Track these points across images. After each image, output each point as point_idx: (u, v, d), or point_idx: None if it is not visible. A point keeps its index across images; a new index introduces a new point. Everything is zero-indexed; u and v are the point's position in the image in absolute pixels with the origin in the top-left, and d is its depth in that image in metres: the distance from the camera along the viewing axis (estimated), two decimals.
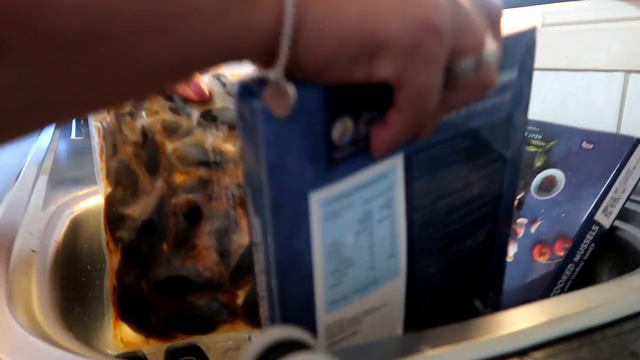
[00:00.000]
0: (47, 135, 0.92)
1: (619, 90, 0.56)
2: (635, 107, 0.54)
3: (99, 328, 0.47)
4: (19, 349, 0.26)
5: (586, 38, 0.58)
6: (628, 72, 0.55)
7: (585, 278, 0.49)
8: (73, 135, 0.93)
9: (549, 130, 0.51)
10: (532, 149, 0.50)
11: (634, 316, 0.30)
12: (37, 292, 0.35)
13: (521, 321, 0.28)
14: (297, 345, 0.20)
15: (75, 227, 0.49)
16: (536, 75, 0.70)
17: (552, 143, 0.50)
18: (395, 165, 0.26)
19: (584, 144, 0.47)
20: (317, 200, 0.24)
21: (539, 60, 0.69)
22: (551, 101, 0.63)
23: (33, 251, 0.41)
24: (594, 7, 0.57)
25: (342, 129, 0.23)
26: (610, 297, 0.31)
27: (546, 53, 0.63)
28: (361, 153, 0.24)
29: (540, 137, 0.51)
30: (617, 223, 0.47)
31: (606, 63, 0.56)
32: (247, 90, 0.22)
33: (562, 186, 0.47)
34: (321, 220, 0.24)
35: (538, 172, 0.49)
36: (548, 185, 0.48)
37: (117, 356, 0.44)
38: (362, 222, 0.26)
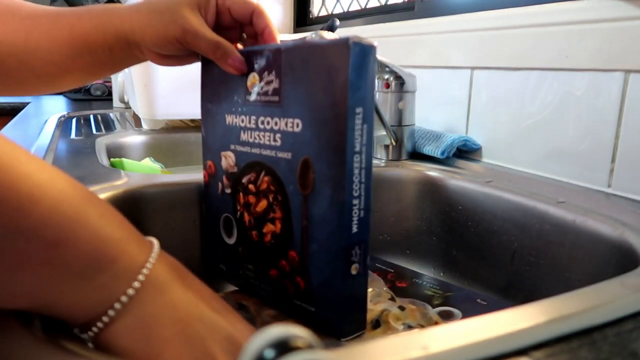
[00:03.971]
0: (47, 135, 0.92)
1: (618, 90, 0.56)
2: (635, 107, 0.54)
3: None
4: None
5: (586, 38, 0.58)
6: (628, 72, 0.55)
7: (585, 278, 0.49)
8: (73, 135, 0.93)
9: (446, 285, 0.58)
10: (430, 292, 0.58)
11: (633, 316, 0.30)
12: None
13: (521, 320, 0.27)
14: (297, 345, 0.20)
15: None
16: (536, 75, 0.70)
17: (449, 293, 0.56)
18: None
19: (479, 300, 0.54)
20: None
21: (539, 60, 0.69)
22: (551, 101, 0.63)
23: None
24: (594, 7, 0.57)
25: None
26: (610, 297, 0.31)
27: (546, 53, 0.63)
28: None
29: (438, 287, 0.58)
30: (617, 222, 0.47)
31: (606, 63, 0.56)
32: None
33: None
34: None
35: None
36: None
37: None
38: None
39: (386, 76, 0.73)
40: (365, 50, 0.37)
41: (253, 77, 0.44)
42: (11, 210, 0.21)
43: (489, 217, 0.60)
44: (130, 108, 1.43)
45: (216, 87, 0.48)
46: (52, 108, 1.51)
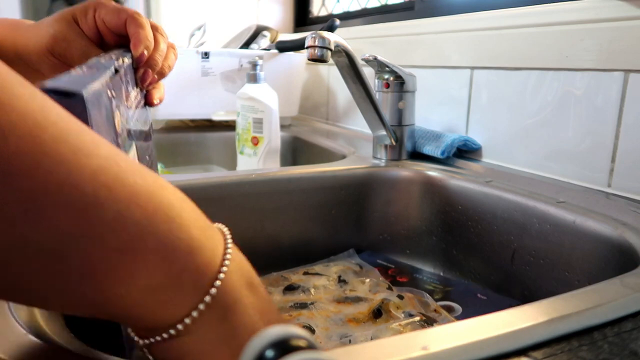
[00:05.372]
0: None
1: (618, 90, 0.56)
2: (635, 107, 0.54)
3: (100, 328, 0.47)
4: (19, 349, 0.26)
5: (586, 38, 0.58)
6: (628, 72, 0.55)
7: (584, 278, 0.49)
8: None
9: (446, 280, 0.60)
10: (430, 287, 0.59)
11: (633, 316, 0.30)
12: None
13: (521, 320, 0.28)
14: (297, 345, 0.20)
15: None
16: (536, 75, 0.70)
17: (449, 288, 0.57)
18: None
19: (479, 295, 0.54)
20: None
21: (539, 60, 0.69)
22: (551, 101, 0.63)
23: None
24: (594, 7, 0.58)
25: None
26: (610, 297, 0.31)
27: (546, 53, 0.63)
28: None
29: (437, 282, 0.60)
30: (617, 222, 0.47)
31: (606, 63, 0.56)
32: None
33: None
34: None
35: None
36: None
37: None
38: None
39: (386, 76, 0.73)
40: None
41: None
42: (76, 212, 0.19)
43: (488, 216, 0.60)
44: None
45: None
46: None
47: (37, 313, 0.32)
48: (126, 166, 0.21)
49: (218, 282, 0.23)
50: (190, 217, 0.23)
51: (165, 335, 0.23)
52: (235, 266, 0.25)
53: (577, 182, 0.61)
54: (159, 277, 0.21)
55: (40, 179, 0.18)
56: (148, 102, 0.44)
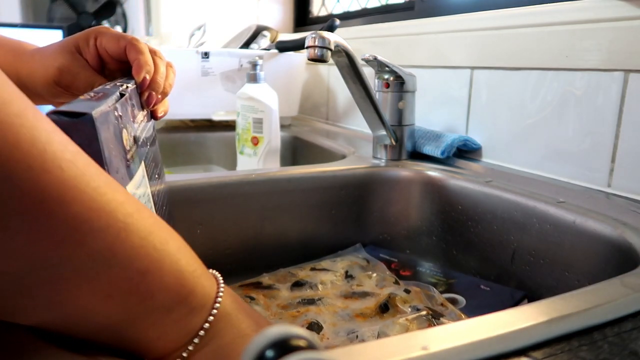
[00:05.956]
0: None
1: (618, 90, 0.56)
2: (635, 107, 0.54)
3: None
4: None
5: (586, 38, 0.58)
6: (628, 71, 0.55)
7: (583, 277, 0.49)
8: None
9: (449, 273, 0.60)
10: (433, 280, 0.60)
11: (633, 316, 0.30)
12: None
13: (521, 320, 0.28)
14: (297, 345, 0.20)
15: None
16: (536, 75, 0.70)
17: (452, 280, 0.58)
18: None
19: (482, 286, 0.56)
20: None
21: (539, 60, 0.69)
22: (551, 101, 0.63)
23: None
24: (594, 7, 0.58)
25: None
26: (610, 297, 0.31)
27: (546, 53, 0.63)
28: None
29: (441, 274, 0.60)
30: (617, 222, 0.47)
31: (606, 63, 0.56)
32: None
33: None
34: None
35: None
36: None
37: None
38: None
39: (386, 76, 0.73)
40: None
41: None
42: (110, 236, 0.22)
43: (488, 216, 0.60)
44: None
45: None
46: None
47: None
48: (139, 203, 0.25)
49: (220, 296, 0.28)
50: (192, 254, 0.28)
51: (185, 354, 0.26)
52: (229, 293, 0.30)
53: (577, 182, 0.61)
54: (173, 295, 0.25)
55: (85, 208, 0.21)
56: (154, 116, 0.46)
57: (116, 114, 0.33)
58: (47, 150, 0.20)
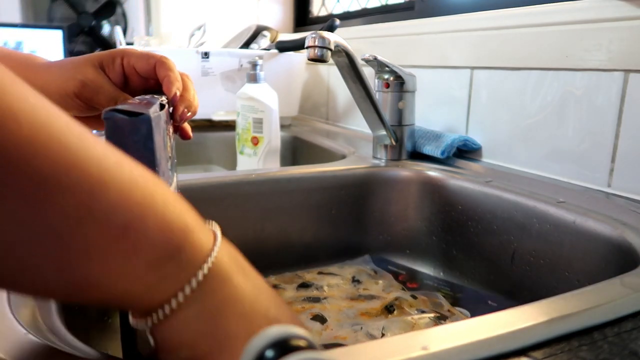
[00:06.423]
0: None
1: (618, 90, 0.56)
2: (635, 107, 0.54)
3: (100, 329, 0.47)
4: (19, 349, 0.26)
5: (586, 38, 0.58)
6: (628, 71, 0.55)
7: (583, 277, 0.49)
8: None
9: (457, 287, 0.61)
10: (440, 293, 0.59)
11: (633, 316, 0.30)
12: None
13: (521, 320, 0.28)
14: (297, 345, 0.20)
15: None
16: (536, 75, 0.70)
17: (459, 294, 0.59)
18: None
19: (490, 302, 0.56)
20: None
21: (539, 60, 0.69)
22: (551, 101, 0.63)
23: None
24: (594, 6, 0.58)
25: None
26: (610, 297, 0.31)
27: (546, 53, 0.63)
28: None
29: (447, 288, 0.61)
30: (617, 222, 0.47)
31: (606, 63, 0.56)
32: None
33: None
34: None
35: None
36: None
37: None
38: None
39: (386, 76, 0.73)
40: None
41: None
42: (82, 193, 0.21)
43: (488, 216, 0.60)
44: None
45: None
46: None
47: (38, 313, 0.32)
48: (124, 159, 0.24)
49: (214, 253, 0.26)
50: (184, 207, 0.26)
51: (167, 311, 0.24)
52: (226, 250, 0.27)
53: (577, 182, 0.61)
54: (159, 251, 0.24)
55: (49, 163, 0.20)
56: (184, 135, 0.50)
57: (161, 121, 0.34)
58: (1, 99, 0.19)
